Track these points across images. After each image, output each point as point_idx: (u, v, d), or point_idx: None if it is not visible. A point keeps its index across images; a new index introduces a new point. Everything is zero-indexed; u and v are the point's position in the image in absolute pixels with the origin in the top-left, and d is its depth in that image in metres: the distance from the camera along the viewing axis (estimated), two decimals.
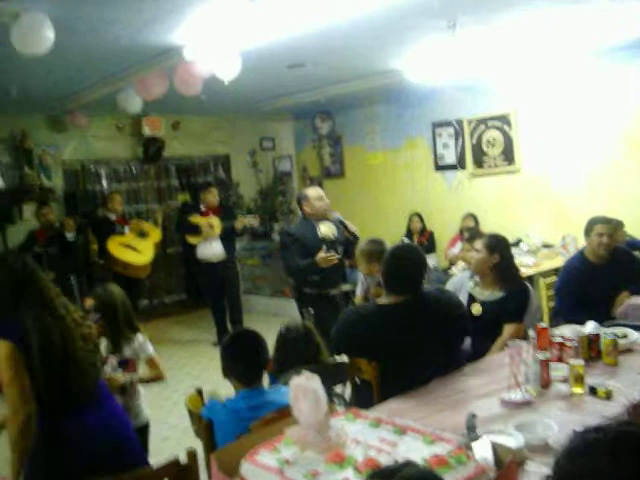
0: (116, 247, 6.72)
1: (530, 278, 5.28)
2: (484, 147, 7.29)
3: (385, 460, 1.78)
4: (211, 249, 6.78)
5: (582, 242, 4.54)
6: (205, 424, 2.49)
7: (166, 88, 5.14)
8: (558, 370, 2.70)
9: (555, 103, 6.60)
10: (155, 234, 7.13)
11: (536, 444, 2.07)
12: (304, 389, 1.91)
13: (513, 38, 5.18)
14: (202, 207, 6.87)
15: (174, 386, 5.14)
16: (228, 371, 2.64)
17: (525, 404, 2.47)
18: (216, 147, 9.01)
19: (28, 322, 2.29)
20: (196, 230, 6.73)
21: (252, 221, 6.96)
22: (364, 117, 8.57)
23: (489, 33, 4.95)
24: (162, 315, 8.29)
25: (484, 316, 3.60)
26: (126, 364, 3.15)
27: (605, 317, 3.50)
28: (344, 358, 3.14)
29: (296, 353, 3.09)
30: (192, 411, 2.71)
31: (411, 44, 5.22)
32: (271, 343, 2.99)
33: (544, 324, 3.11)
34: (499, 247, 3.72)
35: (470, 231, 5.78)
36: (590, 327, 2.99)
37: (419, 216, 7.74)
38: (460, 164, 7.59)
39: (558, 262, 5.65)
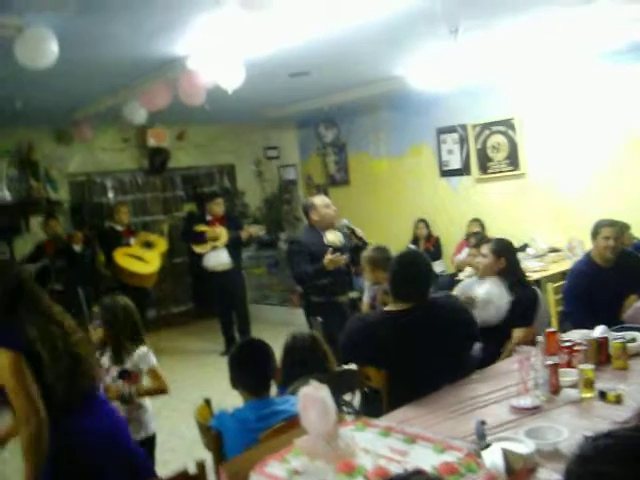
0: (122, 257, 6.75)
1: (537, 282, 5.26)
2: (489, 152, 7.27)
3: (395, 469, 1.78)
4: (217, 258, 6.78)
5: (589, 245, 4.52)
6: (214, 435, 2.49)
7: (170, 99, 5.17)
8: (567, 375, 2.69)
9: (559, 107, 6.58)
10: (161, 244, 7.16)
11: (547, 450, 2.06)
12: (313, 398, 1.91)
13: (516, 43, 5.18)
14: (208, 217, 6.88)
15: (182, 396, 5.12)
16: (236, 381, 2.63)
17: (535, 410, 2.45)
18: (221, 157, 9.03)
19: (31, 330, 2.27)
20: (202, 237, 6.74)
21: (258, 231, 6.97)
22: (368, 124, 8.57)
23: (492, 38, 4.96)
24: (169, 325, 8.29)
25: None
26: (127, 375, 3.14)
27: (614, 321, 3.48)
28: (352, 366, 3.13)
29: (303, 362, 3.08)
30: (201, 423, 2.70)
31: (414, 50, 5.23)
32: (278, 352, 2.98)
33: (553, 328, 3.10)
34: (505, 252, 3.73)
35: (476, 236, 5.77)
36: (599, 331, 2.98)
37: (425, 222, 7.73)
38: (465, 170, 7.57)
39: (565, 266, 5.62)
